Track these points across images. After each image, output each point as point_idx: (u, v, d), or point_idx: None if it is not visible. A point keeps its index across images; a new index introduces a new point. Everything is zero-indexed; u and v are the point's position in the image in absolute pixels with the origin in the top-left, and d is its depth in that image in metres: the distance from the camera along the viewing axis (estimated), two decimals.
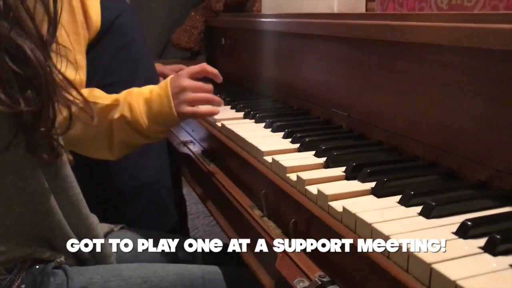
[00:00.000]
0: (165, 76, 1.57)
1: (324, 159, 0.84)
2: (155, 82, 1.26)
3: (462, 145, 0.72)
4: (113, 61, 1.17)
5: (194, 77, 1.08)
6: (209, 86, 1.06)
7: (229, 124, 1.12)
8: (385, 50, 0.85)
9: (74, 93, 0.74)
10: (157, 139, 1.09)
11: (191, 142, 1.39)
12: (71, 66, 0.98)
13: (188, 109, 1.02)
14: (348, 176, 0.76)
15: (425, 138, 0.79)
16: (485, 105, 0.67)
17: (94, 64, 1.11)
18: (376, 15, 0.87)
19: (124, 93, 1.04)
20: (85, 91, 1.02)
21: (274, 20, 1.25)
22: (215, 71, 1.10)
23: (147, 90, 1.04)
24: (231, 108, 1.32)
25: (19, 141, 0.68)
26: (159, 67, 1.57)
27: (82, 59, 1.09)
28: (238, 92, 1.48)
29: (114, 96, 1.03)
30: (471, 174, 0.70)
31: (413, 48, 0.77)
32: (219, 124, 1.17)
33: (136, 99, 1.02)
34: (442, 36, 0.68)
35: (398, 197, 0.66)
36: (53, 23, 0.71)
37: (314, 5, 1.15)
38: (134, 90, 1.04)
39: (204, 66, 1.10)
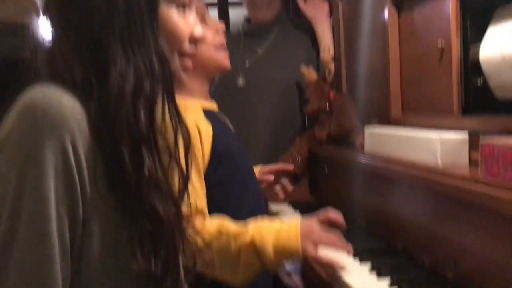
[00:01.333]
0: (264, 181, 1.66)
1: None
2: (262, 211, 1.38)
3: None
4: (217, 193, 1.29)
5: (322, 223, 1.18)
6: (338, 232, 1.16)
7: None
8: (492, 217, 0.87)
9: (199, 241, 0.81)
10: (273, 271, 1.22)
11: (294, 272, 1.45)
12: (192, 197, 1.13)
13: (312, 250, 1.11)
14: None
15: None
16: None
17: None
18: (482, 182, 0.91)
19: (253, 223, 1.17)
20: (215, 221, 1.18)
21: (377, 164, 1.32)
22: (338, 218, 1.22)
23: (278, 222, 1.18)
24: None
25: None
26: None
27: (201, 187, 1.22)
28: None
29: (242, 225, 1.16)
30: None
31: None
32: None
33: (267, 229, 1.13)
34: None
35: None
36: (184, 180, 0.78)
37: (418, 151, 1.19)
38: (265, 221, 1.18)
39: (328, 214, 1.22)
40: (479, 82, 1.18)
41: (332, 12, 1.94)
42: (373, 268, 1.13)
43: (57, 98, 0.68)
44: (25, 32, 2.13)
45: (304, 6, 2.03)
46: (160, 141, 0.74)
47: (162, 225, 0.72)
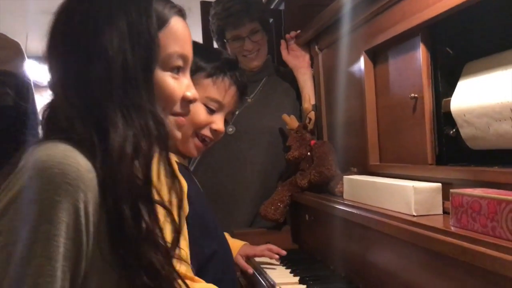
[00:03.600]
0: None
1: None
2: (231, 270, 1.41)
3: None
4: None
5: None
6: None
7: None
8: (462, 267, 0.88)
9: None
10: None
11: None
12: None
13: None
14: None
15: None
16: None
17: None
18: (450, 233, 0.91)
19: None
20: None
21: (354, 211, 1.32)
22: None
23: None
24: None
25: None
26: (249, 249, 1.67)
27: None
28: (316, 268, 1.57)
29: None
30: None
31: (483, 272, 0.80)
32: None
33: None
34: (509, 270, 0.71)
35: None
36: (177, 235, 0.80)
37: (393, 199, 1.21)
38: None
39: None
40: (453, 132, 1.21)
41: (313, 62, 1.99)
42: None
43: (74, 158, 0.70)
44: (7, 79, 2.14)
45: (286, 55, 2.07)
46: (156, 197, 0.77)
47: (160, 279, 0.73)
